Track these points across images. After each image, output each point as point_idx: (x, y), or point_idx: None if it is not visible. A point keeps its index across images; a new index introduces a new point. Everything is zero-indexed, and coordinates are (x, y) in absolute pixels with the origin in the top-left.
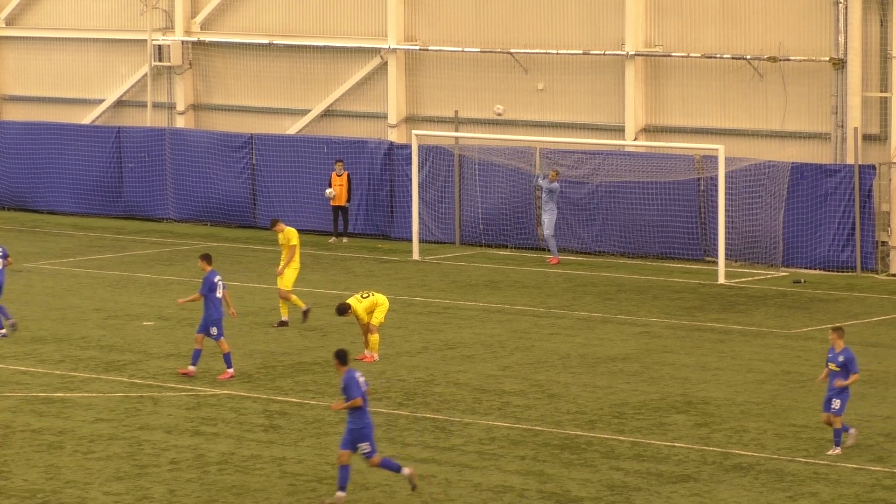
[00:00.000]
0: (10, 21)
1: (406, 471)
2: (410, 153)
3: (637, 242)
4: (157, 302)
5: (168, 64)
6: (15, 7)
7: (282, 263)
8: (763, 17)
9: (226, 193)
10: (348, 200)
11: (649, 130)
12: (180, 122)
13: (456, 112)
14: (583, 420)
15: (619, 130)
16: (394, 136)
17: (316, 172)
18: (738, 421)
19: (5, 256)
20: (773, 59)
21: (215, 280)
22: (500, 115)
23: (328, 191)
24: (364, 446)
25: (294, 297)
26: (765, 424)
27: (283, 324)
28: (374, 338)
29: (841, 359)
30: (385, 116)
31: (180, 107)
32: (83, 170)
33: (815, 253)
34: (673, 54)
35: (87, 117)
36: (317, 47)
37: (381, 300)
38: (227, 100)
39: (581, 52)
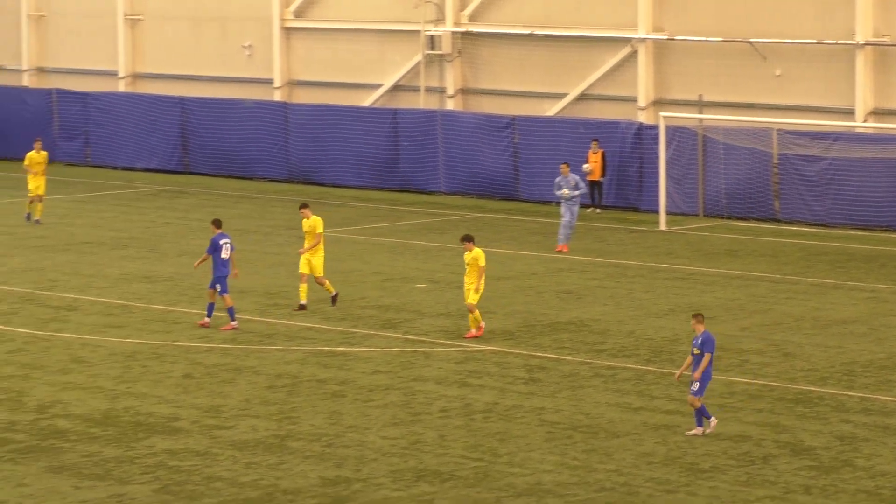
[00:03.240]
0: (299, 14)
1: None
2: (658, 133)
3: (866, 215)
4: (429, 266)
5: (439, 52)
6: (304, 1)
7: (318, 252)
8: None
9: (490, 169)
10: (602, 176)
11: (878, 113)
12: (450, 105)
13: (700, 96)
14: (815, 377)
15: (849, 113)
16: (643, 118)
17: (572, 151)
18: None
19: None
20: None
21: (220, 242)
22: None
23: (585, 166)
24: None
25: (328, 282)
26: None
27: (302, 307)
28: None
29: (699, 341)
30: (635, 100)
31: (450, 91)
32: (363, 147)
33: None
34: None
35: (367, 100)
36: (573, 37)
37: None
38: (491, 85)
39: (815, 41)
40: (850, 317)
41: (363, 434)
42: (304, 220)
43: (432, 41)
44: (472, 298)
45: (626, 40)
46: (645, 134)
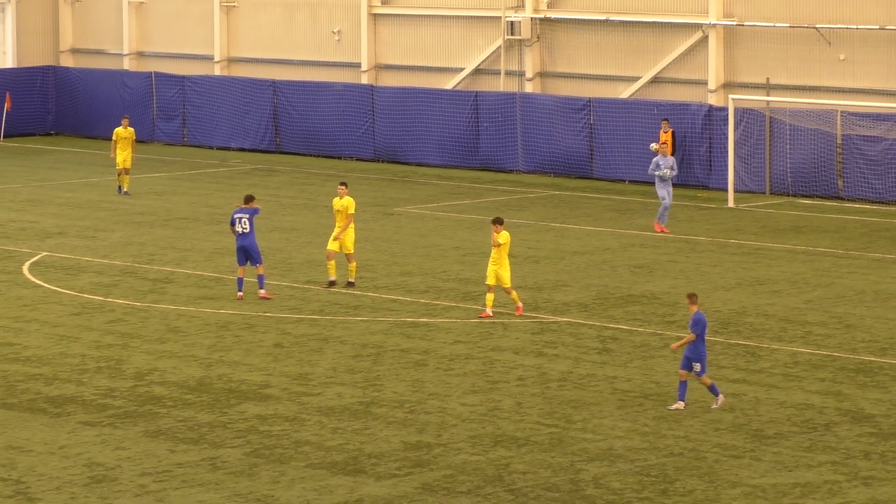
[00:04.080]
0: (386, 1)
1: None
2: (727, 115)
3: None
4: None
5: (519, 37)
6: None
7: (337, 229)
8: None
9: (567, 149)
10: (673, 154)
11: None
12: (529, 88)
13: (767, 79)
14: (875, 347)
15: None
16: (713, 100)
17: (645, 131)
18: None
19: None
20: None
21: (234, 216)
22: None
23: (653, 145)
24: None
25: (354, 263)
26: None
27: (332, 283)
28: (514, 294)
29: (690, 322)
30: (705, 83)
31: (529, 74)
32: (446, 128)
33: None
34: None
35: (450, 83)
36: (646, 23)
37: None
38: (568, 68)
39: (878, 27)
40: None
41: (444, 401)
42: (337, 198)
43: (512, 27)
44: (492, 280)
45: (697, 26)
46: (714, 115)
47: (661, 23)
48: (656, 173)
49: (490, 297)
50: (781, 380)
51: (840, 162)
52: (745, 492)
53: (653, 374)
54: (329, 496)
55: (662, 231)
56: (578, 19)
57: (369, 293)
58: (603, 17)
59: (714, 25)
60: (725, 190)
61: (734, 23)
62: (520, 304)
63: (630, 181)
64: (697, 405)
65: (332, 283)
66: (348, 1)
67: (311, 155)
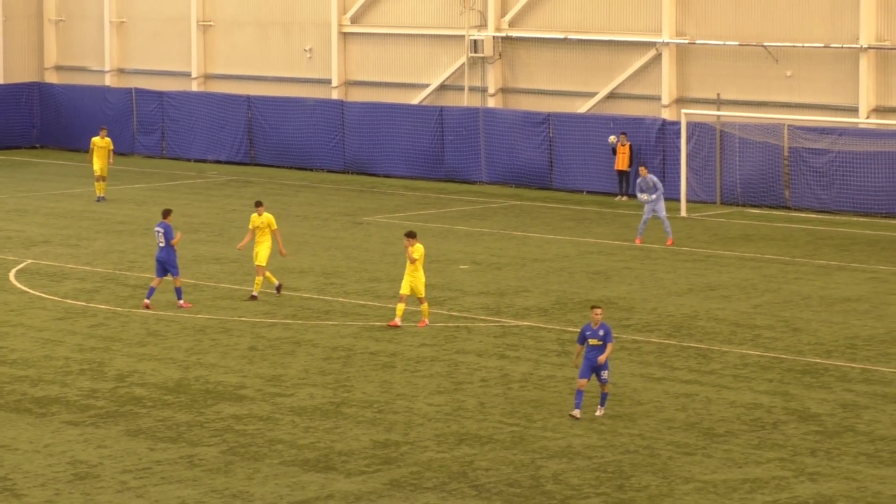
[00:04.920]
0: (355, 20)
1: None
2: (680, 129)
3: (868, 203)
4: (471, 249)
5: (481, 55)
6: (359, 8)
7: (265, 245)
8: None
9: (528, 161)
10: (629, 166)
11: (879, 110)
12: (491, 103)
13: (718, 94)
14: (821, 350)
15: (853, 110)
16: (666, 115)
17: (602, 144)
18: None
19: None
20: None
21: (155, 229)
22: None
23: (611, 137)
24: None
25: (268, 273)
26: None
27: (279, 288)
28: (425, 306)
29: (601, 333)
30: (659, 98)
31: (491, 90)
32: (412, 141)
33: None
34: None
35: (416, 98)
36: (603, 41)
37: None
38: (529, 84)
39: (822, 45)
40: (853, 295)
41: (411, 401)
42: (256, 215)
43: (475, 45)
44: (407, 290)
45: (651, 44)
46: (668, 129)
47: (617, 41)
48: (638, 195)
49: (401, 307)
50: (731, 380)
51: (787, 173)
52: (697, 487)
53: (609, 375)
54: (301, 492)
55: (640, 243)
56: (538, 38)
57: (339, 298)
58: (562, 36)
59: (667, 44)
60: (678, 200)
61: (686, 41)
62: (426, 320)
63: (588, 192)
64: (652, 405)
65: (253, 297)
66: (319, 20)
67: (284, 167)
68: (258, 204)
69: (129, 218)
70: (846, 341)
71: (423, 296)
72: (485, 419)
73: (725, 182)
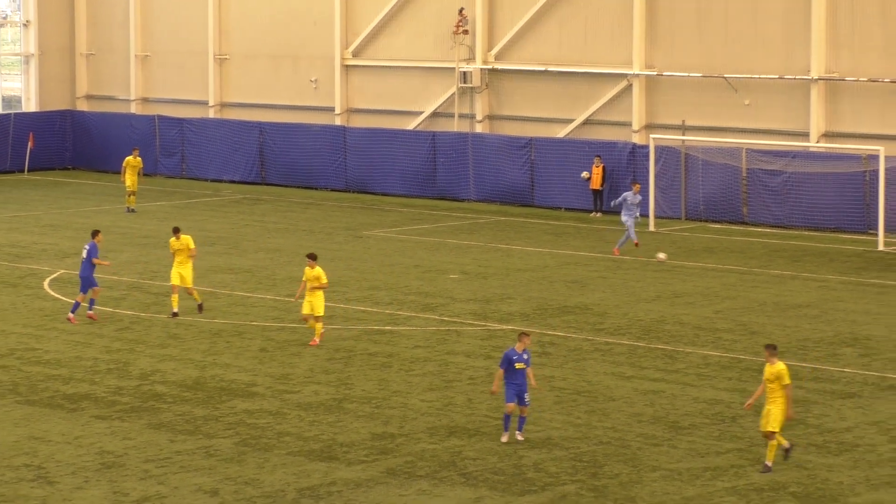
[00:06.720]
0: (356, 53)
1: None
2: (649, 152)
3: (818, 219)
4: (460, 260)
5: (470, 85)
6: (360, 43)
7: (188, 266)
8: None
9: (512, 181)
10: (602, 185)
11: (828, 135)
12: (479, 129)
13: (683, 121)
14: None
15: (804, 135)
16: (636, 139)
17: (579, 166)
18: (893, 353)
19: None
20: None
21: (84, 247)
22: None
23: (584, 173)
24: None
25: (195, 292)
26: None
27: (174, 314)
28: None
29: (526, 356)
30: (630, 124)
31: (479, 117)
32: (408, 163)
33: None
34: (847, 78)
35: (411, 124)
36: (580, 73)
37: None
38: (513, 111)
39: (777, 76)
40: (804, 302)
41: (406, 398)
42: (174, 239)
43: (464, 76)
44: (307, 310)
45: (623, 75)
46: (638, 152)
47: (592, 73)
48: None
49: (318, 326)
50: (695, 378)
51: (745, 192)
52: (664, 475)
53: (584, 374)
54: (307, 479)
55: (616, 254)
56: (521, 70)
57: (341, 304)
58: (542, 68)
59: (637, 75)
60: (647, 216)
61: (655, 73)
62: (317, 339)
63: (566, 209)
64: (623, 401)
65: (174, 315)
66: (325, 53)
67: (292, 186)
68: (176, 230)
69: (153, 232)
70: (798, 343)
71: (322, 314)
72: (472, 413)
73: (690, 200)
